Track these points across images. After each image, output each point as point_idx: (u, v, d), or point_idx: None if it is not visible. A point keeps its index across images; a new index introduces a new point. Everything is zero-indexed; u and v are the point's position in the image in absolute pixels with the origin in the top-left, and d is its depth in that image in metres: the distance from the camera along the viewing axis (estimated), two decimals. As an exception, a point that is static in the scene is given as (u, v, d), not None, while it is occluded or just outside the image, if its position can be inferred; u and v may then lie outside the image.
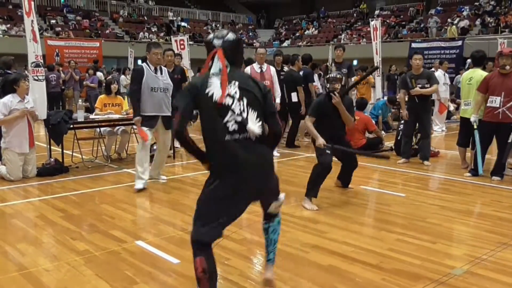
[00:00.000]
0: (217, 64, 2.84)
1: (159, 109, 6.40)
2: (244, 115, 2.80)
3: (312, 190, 5.56)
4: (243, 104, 2.81)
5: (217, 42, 2.90)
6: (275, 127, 3.01)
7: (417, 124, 7.98)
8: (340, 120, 5.76)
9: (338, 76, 5.76)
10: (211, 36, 2.97)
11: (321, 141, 5.48)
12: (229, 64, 2.87)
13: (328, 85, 5.77)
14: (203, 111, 2.84)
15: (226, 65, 2.83)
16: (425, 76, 7.77)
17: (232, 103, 2.79)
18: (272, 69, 8.72)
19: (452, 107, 14.05)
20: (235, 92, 2.81)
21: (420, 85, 7.67)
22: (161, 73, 6.44)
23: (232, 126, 2.77)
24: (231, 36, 2.94)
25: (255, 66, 8.49)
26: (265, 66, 8.60)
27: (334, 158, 5.71)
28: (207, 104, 2.79)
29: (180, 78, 8.97)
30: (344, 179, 6.32)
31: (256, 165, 2.85)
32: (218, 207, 2.85)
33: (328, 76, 5.86)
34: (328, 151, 5.52)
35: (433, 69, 13.84)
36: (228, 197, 2.83)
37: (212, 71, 2.84)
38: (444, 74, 12.37)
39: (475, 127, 6.81)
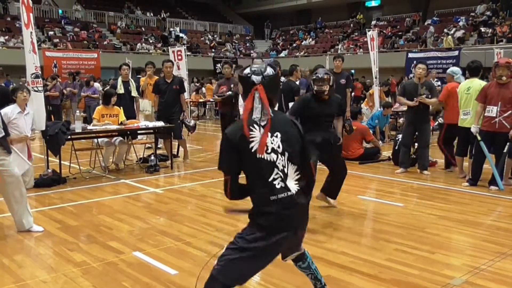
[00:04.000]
0: (259, 107, 2.58)
1: None
2: (286, 171, 2.61)
3: None
4: (285, 160, 2.61)
5: (256, 78, 2.62)
6: (308, 176, 2.77)
7: (416, 134, 8.00)
8: (326, 124, 5.42)
9: (325, 76, 5.27)
10: (247, 70, 2.68)
11: None
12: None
13: (315, 87, 5.32)
14: (247, 166, 2.61)
15: (270, 110, 2.59)
16: (427, 86, 7.78)
17: (277, 159, 2.59)
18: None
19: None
20: (278, 146, 2.60)
21: (424, 95, 7.67)
22: None
23: (278, 184, 2.58)
24: (270, 70, 2.66)
25: None
26: None
27: (321, 167, 5.62)
28: (251, 160, 2.58)
29: (179, 88, 8.99)
30: (332, 189, 5.75)
31: (301, 223, 2.72)
32: (254, 265, 2.66)
33: (314, 77, 5.35)
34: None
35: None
36: (267, 256, 2.65)
37: (254, 115, 2.58)
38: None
39: (479, 138, 6.76)
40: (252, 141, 2.56)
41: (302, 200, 2.67)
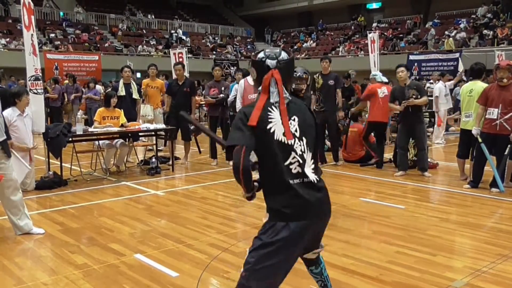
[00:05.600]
0: (276, 91, 2.52)
1: None
2: (305, 156, 2.53)
3: None
4: (303, 145, 2.53)
5: (271, 62, 2.54)
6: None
7: (411, 136, 8.00)
8: None
9: (303, 75, 5.35)
10: (261, 55, 2.59)
11: None
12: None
13: (293, 85, 5.19)
14: (261, 148, 2.49)
15: (284, 94, 2.53)
16: (413, 87, 7.83)
17: (294, 143, 2.50)
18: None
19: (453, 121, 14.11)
20: (296, 130, 2.52)
21: (413, 96, 7.70)
22: None
23: (295, 168, 2.49)
24: (285, 55, 2.60)
25: (249, 79, 8.35)
26: None
27: None
28: (268, 142, 2.47)
29: (189, 91, 9.04)
30: None
31: (323, 208, 2.58)
32: (283, 261, 2.50)
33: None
34: None
35: (431, 80, 13.90)
36: (293, 248, 2.50)
37: (272, 99, 2.52)
38: (445, 86, 12.40)
39: (480, 140, 6.77)
40: (271, 122, 2.48)
41: (322, 188, 2.58)
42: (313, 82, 9.05)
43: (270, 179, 2.52)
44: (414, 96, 7.66)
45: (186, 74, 13.74)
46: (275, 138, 2.46)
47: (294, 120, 2.53)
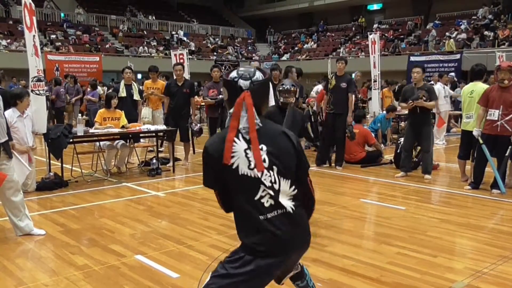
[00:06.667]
0: (246, 116, 2.30)
1: None
2: (276, 187, 2.30)
3: None
4: (274, 174, 2.31)
5: (244, 83, 2.34)
6: (305, 194, 2.48)
7: (417, 138, 7.98)
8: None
9: (292, 88, 5.17)
10: (234, 74, 2.38)
11: None
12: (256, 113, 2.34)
13: (281, 98, 5.26)
14: (229, 184, 2.34)
15: (256, 119, 2.31)
16: (425, 89, 7.78)
17: (262, 175, 2.29)
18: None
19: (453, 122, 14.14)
20: (264, 160, 2.30)
21: (422, 98, 7.67)
22: None
23: (267, 201, 2.29)
24: (259, 75, 2.38)
25: None
26: None
27: None
28: (233, 178, 2.30)
29: (189, 92, 9.03)
30: None
31: (299, 243, 2.40)
32: None
33: (280, 88, 5.26)
34: None
35: (432, 82, 13.91)
36: (259, 281, 2.36)
37: (241, 125, 2.31)
38: (444, 87, 12.38)
39: (480, 141, 6.76)
40: (233, 156, 2.28)
41: (300, 217, 2.40)
42: (327, 82, 9.10)
43: (241, 216, 2.37)
44: (424, 98, 7.61)
45: (187, 75, 13.79)
46: (239, 173, 2.28)
47: (262, 149, 2.30)
